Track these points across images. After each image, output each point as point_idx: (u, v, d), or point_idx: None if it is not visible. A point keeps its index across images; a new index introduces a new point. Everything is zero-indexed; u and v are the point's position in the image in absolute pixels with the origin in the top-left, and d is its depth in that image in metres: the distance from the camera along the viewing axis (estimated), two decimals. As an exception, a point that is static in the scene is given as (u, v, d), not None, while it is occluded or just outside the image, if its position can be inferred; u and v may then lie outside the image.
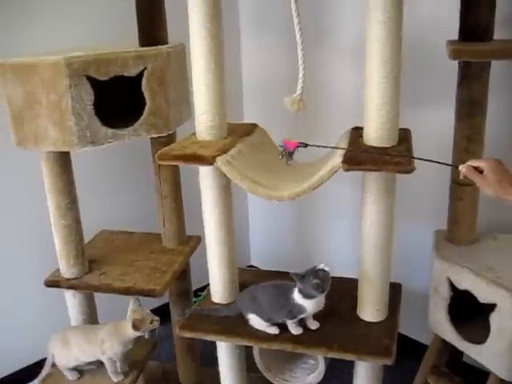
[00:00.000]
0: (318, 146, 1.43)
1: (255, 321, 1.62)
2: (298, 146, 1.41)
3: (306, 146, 1.40)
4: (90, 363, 1.79)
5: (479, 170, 1.22)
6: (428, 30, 1.94)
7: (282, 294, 1.56)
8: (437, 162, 1.27)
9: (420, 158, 1.31)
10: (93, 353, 1.74)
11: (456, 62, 1.65)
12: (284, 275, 1.58)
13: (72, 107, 1.55)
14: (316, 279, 1.48)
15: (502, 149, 1.87)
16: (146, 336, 2.03)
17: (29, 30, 2.03)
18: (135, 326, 1.66)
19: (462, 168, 1.24)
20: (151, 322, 1.70)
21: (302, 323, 1.60)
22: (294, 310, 1.54)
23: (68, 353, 1.76)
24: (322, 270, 1.50)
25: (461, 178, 1.28)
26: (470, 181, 1.71)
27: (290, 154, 1.43)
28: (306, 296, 1.52)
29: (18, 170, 2.11)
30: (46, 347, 1.80)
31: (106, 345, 1.71)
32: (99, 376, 1.79)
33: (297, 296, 1.53)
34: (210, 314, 1.72)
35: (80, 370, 1.81)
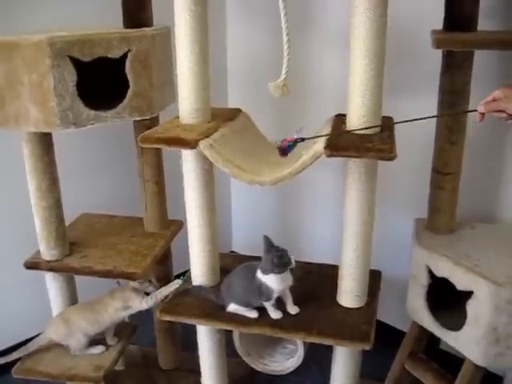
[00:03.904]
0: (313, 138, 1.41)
1: (235, 308, 1.62)
2: (295, 141, 1.37)
3: (302, 140, 1.38)
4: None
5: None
6: (413, 19, 1.95)
7: (251, 275, 1.57)
8: (448, 115, 1.27)
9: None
10: (104, 320, 1.82)
11: (440, 52, 1.66)
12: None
13: (54, 88, 1.53)
14: (277, 253, 1.50)
15: (484, 139, 1.90)
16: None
17: (12, 10, 1.99)
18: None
19: (480, 109, 1.25)
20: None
21: (281, 308, 1.61)
22: (263, 289, 1.54)
23: (75, 331, 1.79)
24: (286, 251, 1.53)
25: (478, 120, 1.27)
26: (451, 169, 1.74)
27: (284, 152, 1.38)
28: (264, 271, 1.53)
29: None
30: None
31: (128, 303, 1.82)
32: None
33: (259, 273, 1.55)
34: (194, 292, 1.72)
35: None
